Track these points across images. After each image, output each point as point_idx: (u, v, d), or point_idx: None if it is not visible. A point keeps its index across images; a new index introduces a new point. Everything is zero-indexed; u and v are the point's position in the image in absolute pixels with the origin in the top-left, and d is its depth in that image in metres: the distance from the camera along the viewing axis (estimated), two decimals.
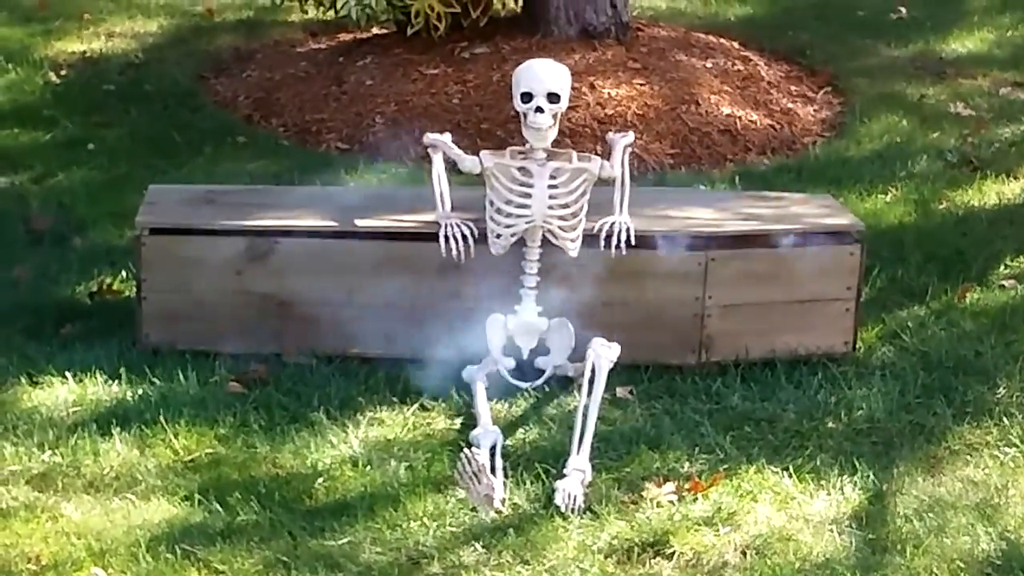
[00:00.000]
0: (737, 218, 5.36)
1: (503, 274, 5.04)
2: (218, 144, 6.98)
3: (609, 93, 7.18)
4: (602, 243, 5.03)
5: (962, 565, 4.24)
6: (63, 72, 7.84)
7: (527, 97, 4.97)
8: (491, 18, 7.64)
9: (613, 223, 5.06)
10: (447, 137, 5.13)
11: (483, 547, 4.22)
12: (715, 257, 5.13)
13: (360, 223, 5.14)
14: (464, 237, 5.00)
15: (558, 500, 4.39)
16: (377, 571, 4.13)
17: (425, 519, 4.32)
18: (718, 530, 4.33)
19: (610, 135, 5.28)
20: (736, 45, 8.07)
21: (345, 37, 8.11)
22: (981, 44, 8.66)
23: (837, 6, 9.19)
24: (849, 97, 7.76)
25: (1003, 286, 5.85)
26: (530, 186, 4.99)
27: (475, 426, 4.69)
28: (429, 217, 5.09)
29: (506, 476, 4.50)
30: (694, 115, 7.20)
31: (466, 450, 4.36)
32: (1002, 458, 4.76)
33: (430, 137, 5.16)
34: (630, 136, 5.23)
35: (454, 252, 4.99)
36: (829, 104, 7.70)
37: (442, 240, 4.99)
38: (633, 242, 5.03)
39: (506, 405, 4.91)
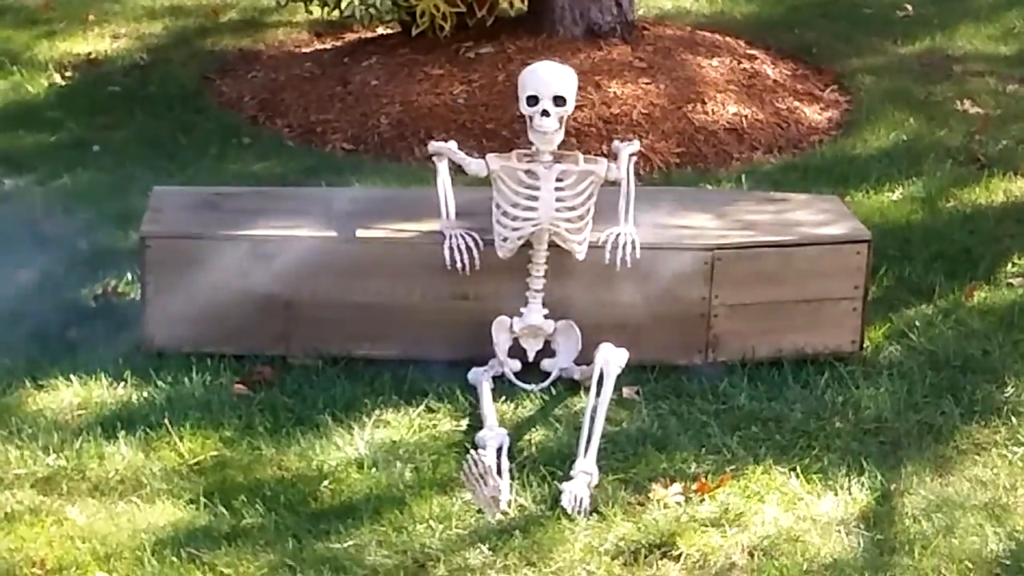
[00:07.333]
0: (739, 226, 5.32)
1: (509, 276, 5.03)
2: (223, 145, 6.97)
3: (615, 92, 7.17)
4: (607, 255, 5.01)
5: (971, 565, 4.22)
6: (68, 74, 7.83)
7: (533, 100, 4.95)
8: (496, 18, 7.62)
9: (618, 234, 5.04)
10: (452, 144, 5.10)
11: (489, 549, 4.21)
12: (721, 257, 5.12)
13: (365, 226, 5.12)
14: (468, 248, 4.98)
15: (564, 502, 4.37)
16: (383, 574, 4.12)
17: (431, 521, 4.31)
18: (725, 531, 4.31)
19: (616, 143, 5.23)
20: (742, 44, 8.05)
21: (350, 37, 8.11)
22: (988, 41, 8.63)
23: (843, 4, 9.16)
24: (856, 95, 7.73)
25: (1011, 284, 5.82)
26: (536, 189, 4.97)
27: (481, 428, 4.68)
28: (435, 218, 5.07)
29: (512, 478, 4.49)
30: (700, 114, 7.18)
31: (472, 452, 4.35)
32: (1011, 457, 4.74)
33: (435, 145, 5.13)
34: (635, 145, 5.20)
35: (458, 264, 4.97)
36: (836, 102, 7.67)
37: (446, 251, 4.97)
38: (639, 254, 5.02)
39: (512, 407, 4.89)
